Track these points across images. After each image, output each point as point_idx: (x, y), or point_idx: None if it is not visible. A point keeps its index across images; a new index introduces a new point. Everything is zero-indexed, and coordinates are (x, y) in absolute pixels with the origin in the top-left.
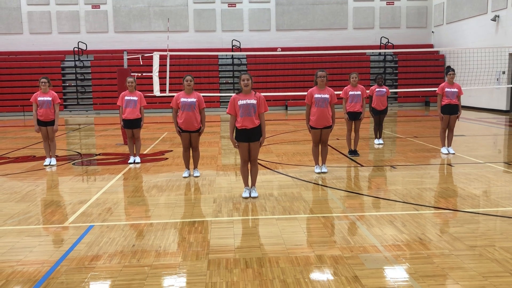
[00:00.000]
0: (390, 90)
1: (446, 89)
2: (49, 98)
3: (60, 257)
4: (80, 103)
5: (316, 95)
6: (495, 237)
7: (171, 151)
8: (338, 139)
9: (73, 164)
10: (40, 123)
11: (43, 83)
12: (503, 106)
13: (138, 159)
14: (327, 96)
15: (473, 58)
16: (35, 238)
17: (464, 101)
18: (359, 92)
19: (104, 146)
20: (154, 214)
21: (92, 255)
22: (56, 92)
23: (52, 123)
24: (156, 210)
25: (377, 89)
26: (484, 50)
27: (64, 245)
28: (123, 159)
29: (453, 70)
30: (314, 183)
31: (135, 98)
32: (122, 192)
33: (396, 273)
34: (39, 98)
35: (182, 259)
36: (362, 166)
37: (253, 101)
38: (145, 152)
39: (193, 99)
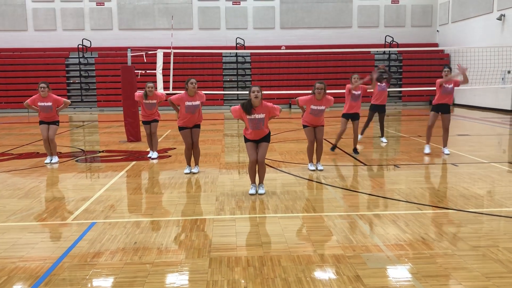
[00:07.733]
0: (395, 89)
1: (444, 85)
2: (49, 104)
3: (62, 253)
4: (84, 100)
5: (313, 107)
6: (499, 237)
7: (174, 148)
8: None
9: (77, 160)
10: (43, 122)
11: (42, 88)
12: (508, 105)
13: (155, 155)
14: (323, 108)
15: (478, 57)
16: (37, 234)
17: (468, 101)
18: (359, 92)
19: (107, 143)
20: (156, 211)
21: (94, 252)
22: (60, 89)
23: (54, 122)
24: (159, 208)
25: (378, 84)
26: (489, 49)
27: (66, 241)
28: (127, 156)
29: (450, 68)
30: (317, 182)
31: (154, 101)
32: (125, 189)
33: (399, 272)
34: (40, 103)
35: (184, 256)
36: (365, 165)
37: (261, 116)
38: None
39: (197, 102)
